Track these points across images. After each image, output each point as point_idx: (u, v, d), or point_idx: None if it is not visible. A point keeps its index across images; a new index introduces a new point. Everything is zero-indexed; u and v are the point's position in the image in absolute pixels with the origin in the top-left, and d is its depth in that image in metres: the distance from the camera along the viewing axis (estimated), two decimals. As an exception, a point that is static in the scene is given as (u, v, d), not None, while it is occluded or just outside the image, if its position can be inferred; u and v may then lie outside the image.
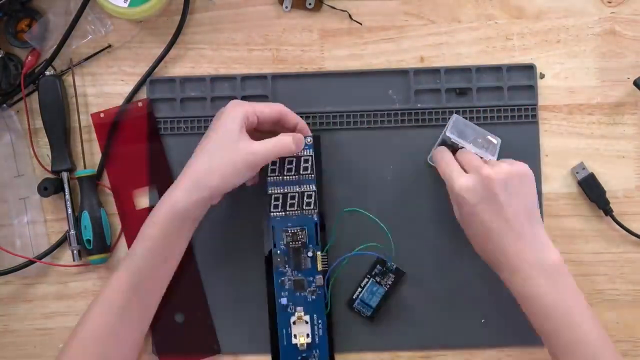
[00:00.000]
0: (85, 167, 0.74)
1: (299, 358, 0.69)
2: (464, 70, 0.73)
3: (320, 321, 0.69)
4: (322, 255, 0.69)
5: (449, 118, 0.69)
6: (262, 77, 0.74)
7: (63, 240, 0.74)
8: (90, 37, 0.75)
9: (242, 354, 0.73)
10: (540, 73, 0.74)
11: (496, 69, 0.73)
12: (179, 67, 0.75)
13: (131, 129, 0.74)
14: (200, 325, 0.72)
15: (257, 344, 0.72)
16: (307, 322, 0.69)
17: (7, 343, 0.74)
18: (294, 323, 0.69)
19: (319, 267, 0.69)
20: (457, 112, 0.72)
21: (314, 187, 0.68)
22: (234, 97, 0.73)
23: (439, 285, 0.72)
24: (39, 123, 0.74)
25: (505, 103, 0.73)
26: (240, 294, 0.73)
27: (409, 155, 0.73)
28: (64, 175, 0.73)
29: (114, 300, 0.64)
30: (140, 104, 0.74)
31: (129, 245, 0.73)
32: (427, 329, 0.72)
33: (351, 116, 0.73)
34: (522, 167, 0.64)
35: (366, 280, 0.71)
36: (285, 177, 0.68)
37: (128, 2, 0.71)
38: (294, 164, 0.68)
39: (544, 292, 0.61)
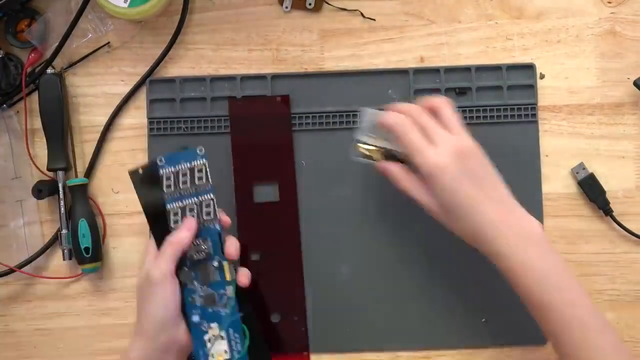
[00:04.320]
0: (76, 175, 0.74)
1: None
2: (464, 70, 0.73)
3: (237, 335, 0.64)
4: (229, 265, 0.64)
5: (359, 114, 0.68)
6: (262, 77, 0.74)
7: (54, 240, 0.74)
8: (90, 36, 0.75)
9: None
10: (540, 73, 0.74)
11: (496, 68, 0.73)
12: (179, 67, 0.75)
13: (268, 123, 0.73)
14: (294, 329, 0.72)
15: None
16: (223, 338, 0.64)
17: (7, 343, 0.74)
18: (209, 341, 0.63)
19: (228, 277, 0.64)
20: (457, 112, 0.72)
21: (211, 195, 0.65)
22: (234, 97, 0.74)
23: (439, 284, 0.72)
24: (38, 124, 0.74)
25: (505, 103, 0.73)
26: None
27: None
28: (60, 174, 0.73)
29: None
30: (279, 99, 0.73)
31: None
32: (427, 328, 0.72)
33: (351, 116, 0.73)
34: (470, 140, 0.64)
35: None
36: (181, 191, 0.65)
37: (128, 2, 0.71)
38: (187, 176, 0.65)
39: (535, 259, 0.61)
